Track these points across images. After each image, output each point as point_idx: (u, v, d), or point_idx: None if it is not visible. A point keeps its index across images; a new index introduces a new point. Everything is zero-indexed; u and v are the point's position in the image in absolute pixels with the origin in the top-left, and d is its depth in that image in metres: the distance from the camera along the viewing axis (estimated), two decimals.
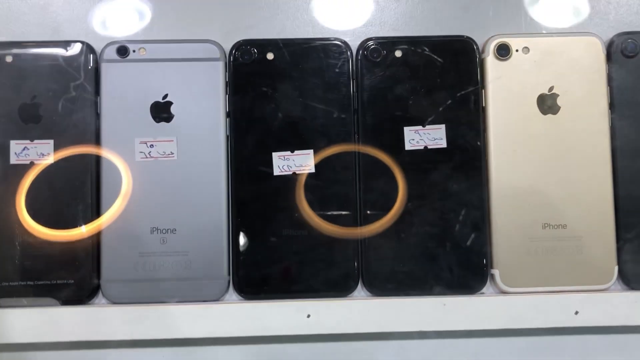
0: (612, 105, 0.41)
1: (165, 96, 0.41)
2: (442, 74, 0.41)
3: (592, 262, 0.41)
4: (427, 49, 0.41)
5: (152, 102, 0.40)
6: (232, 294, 0.41)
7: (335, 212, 0.40)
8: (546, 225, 0.41)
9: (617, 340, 0.42)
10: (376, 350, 0.42)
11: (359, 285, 0.41)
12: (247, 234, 0.40)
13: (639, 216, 0.41)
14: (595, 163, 0.41)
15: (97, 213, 0.40)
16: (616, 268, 0.41)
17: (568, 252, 0.41)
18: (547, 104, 0.41)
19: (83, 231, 0.40)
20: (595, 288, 0.40)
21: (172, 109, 0.41)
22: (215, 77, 0.41)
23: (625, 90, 0.41)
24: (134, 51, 0.41)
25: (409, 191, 0.41)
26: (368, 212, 0.41)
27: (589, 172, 0.41)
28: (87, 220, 0.40)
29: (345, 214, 0.40)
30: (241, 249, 0.40)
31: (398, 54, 0.41)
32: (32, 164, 0.40)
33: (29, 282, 0.40)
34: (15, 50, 0.40)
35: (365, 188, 0.41)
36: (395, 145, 0.41)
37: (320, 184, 0.41)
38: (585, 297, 0.40)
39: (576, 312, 0.40)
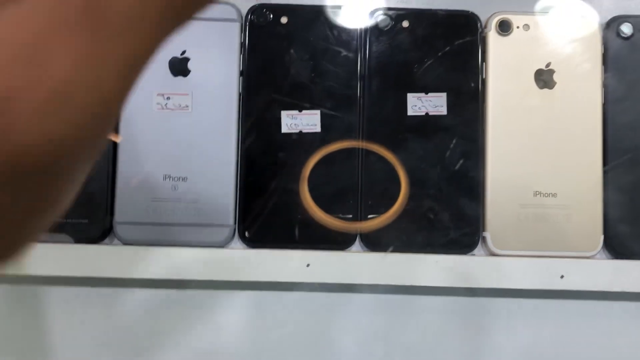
0: (605, 84, 0.43)
1: (184, 52, 0.43)
2: (446, 45, 0.43)
3: (579, 230, 0.43)
4: (433, 21, 0.44)
5: (171, 57, 0.43)
6: (237, 241, 0.43)
7: (337, 170, 0.43)
8: (537, 193, 0.43)
9: (599, 306, 0.44)
10: (369, 302, 0.44)
11: (357, 240, 0.43)
12: (253, 186, 0.43)
13: (626, 189, 0.43)
14: (586, 137, 0.43)
15: (114, 158, 0.42)
16: (602, 237, 0.43)
17: (557, 220, 0.43)
18: (544, 78, 0.43)
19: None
20: (581, 255, 0.43)
21: (189, 65, 0.43)
22: (231, 37, 0.43)
23: (619, 70, 0.43)
24: None
25: (409, 154, 0.43)
26: (368, 173, 0.43)
27: (581, 145, 0.43)
28: (104, 164, 0.42)
29: (346, 173, 0.43)
30: (247, 199, 0.42)
31: (405, 24, 0.44)
32: None
33: None
34: None
35: (367, 151, 0.43)
36: (398, 110, 0.43)
37: (325, 143, 0.43)
38: (570, 263, 0.42)
39: (561, 276, 0.42)
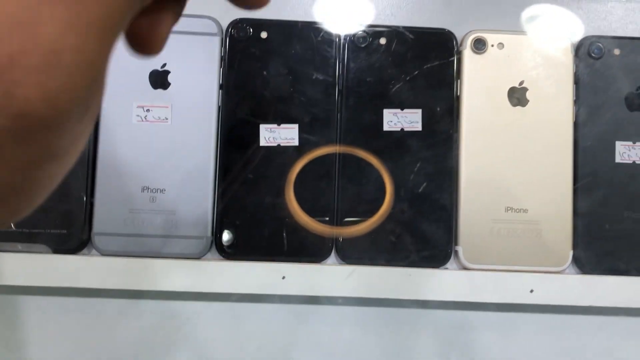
0: (576, 102, 0.44)
1: (164, 65, 0.43)
2: (422, 62, 0.44)
3: (549, 246, 0.44)
4: (409, 39, 0.44)
5: (151, 69, 0.43)
6: (214, 253, 0.43)
7: (314, 185, 0.43)
8: (509, 208, 0.44)
9: (568, 320, 0.45)
10: (343, 313, 0.44)
11: (332, 253, 0.44)
12: (231, 198, 0.43)
13: (595, 207, 0.44)
14: (558, 154, 0.44)
15: (93, 169, 0.43)
16: (571, 253, 0.44)
17: (527, 235, 0.44)
18: (517, 96, 0.44)
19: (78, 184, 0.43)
20: (551, 270, 0.44)
21: (170, 78, 0.44)
22: (211, 51, 0.44)
23: (590, 89, 0.45)
24: None
25: (384, 169, 0.44)
26: (345, 187, 0.44)
27: (552, 163, 0.44)
28: (82, 176, 0.43)
29: (323, 187, 0.43)
30: (224, 211, 0.43)
31: (382, 41, 0.44)
32: None
33: (24, 229, 0.42)
34: None
35: (344, 164, 0.44)
36: (374, 125, 0.44)
37: (303, 157, 0.44)
38: (540, 277, 0.43)
39: (531, 291, 0.43)
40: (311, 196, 0.43)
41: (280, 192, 0.43)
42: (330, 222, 0.43)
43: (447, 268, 0.44)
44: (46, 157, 0.15)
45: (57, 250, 0.42)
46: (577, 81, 0.45)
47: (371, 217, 0.43)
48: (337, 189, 0.43)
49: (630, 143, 0.44)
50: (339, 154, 0.44)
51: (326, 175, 0.43)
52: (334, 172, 0.44)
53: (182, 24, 0.44)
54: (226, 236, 0.43)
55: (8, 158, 0.14)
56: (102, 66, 0.15)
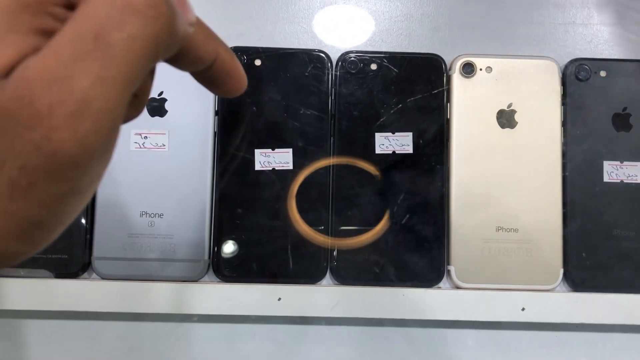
0: (564, 124, 0.45)
1: (161, 93, 0.45)
2: (412, 86, 0.45)
3: (539, 265, 0.45)
4: (400, 64, 0.46)
5: (149, 97, 0.44)
6: (211, 275, 0.44)
7: (309, 207, 0.45)
8: (500, 228, 0.45)
9: (559, 337, 0.46)
10: (338, 333, 0.45)
11: (327, 274, 0.45)
12: (227, 222, 0.44)
13: (585, 226, 0.45)
14: (546, 175, 0.45)
15: (93, 196, 0.44)
16: (561, 271, 0.45)
17: (518, 254, 0.45)
18: (506, 118, 0.45)
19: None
20: (542, 288, 0.44)
21: (166, 105, 0.45)
22: None
23: (577, 110, 0.46)
24: None
25: (377, 192, 0.45)
26: (338, 210, 0.45)
27: (541, 183, 0.45)
28: None
29: (318, 210, 0.45)
30: (221, 234, 0.44)
31: (373, 67, 0.46)
32: None
33: None
34: None
35: (337, 189, 0.45)
36: (366, 149, 0.45)
37: (297, 181, 0.45)
38: (531, 295, 0.44)
39: (522, 309, 0.44)
40: (310, 211, 0.44)
41: (275, 216, 0.44)
42: (330, 228, 0.44)
43: (440, 287, 0.45)
44: (71, 193, 0.17)
45: (58, 275, 0.43)
46: (564, 103, 0.46)
47: (366, 233, 0.44)
48: (332, 206, 0.44)
49: (617, 163, 0.45)
50: (334, 171, 0.45)
51: (320, 197, 0.45)
52: (327, 194, 0.45)
53: None
54: (230, 247, 0.44)
55: (38, 194, 0.16)
56: (121, 114, 0.17)
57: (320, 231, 0.44)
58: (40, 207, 0.17)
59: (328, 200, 0.45)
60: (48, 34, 0.17)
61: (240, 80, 0.23)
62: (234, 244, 0.44)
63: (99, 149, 0.17)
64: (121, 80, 0.17)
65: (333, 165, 0.45)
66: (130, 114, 0.21)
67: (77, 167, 0.16)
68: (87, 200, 0.19)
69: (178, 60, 0.21)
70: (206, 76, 0.22)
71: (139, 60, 0.17)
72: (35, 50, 0.16)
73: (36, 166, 0.16)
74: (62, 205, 0.17)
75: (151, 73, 0.21)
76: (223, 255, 0.44)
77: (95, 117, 0.16)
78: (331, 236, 0.44)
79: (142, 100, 0.22)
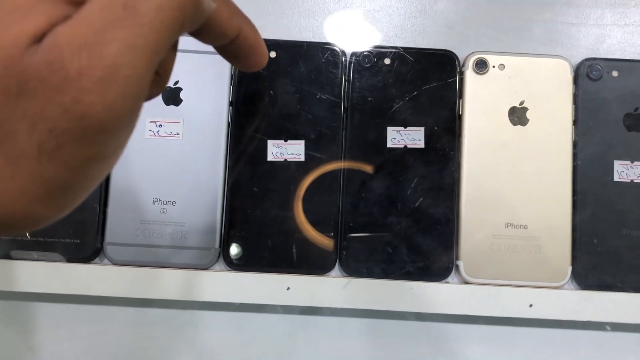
0: (575, 122, 0.46)
1: (176, 82, 0.45)
2: (425, 82, 0.46)
3: (548, 262, 0.45)
4: (413, 59, 0.46)
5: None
6: (221, 264, 0.45)
7: (319, 199, 0.45)
8: (509, 224, 0.45)
9: (566, 334, 0.46)
10: (346, 325, 0.46)
11: (336, 266, 0.45)
12: (238, 211, 0.45)
13: (593, 224, 0.45)
14: (557, 172, 0.45)
15: (107, 181, 0.45)
16: (570, 269, 0.45)
17: (527, 251, 0.45)
18: (517, 116, 0.46)
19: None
20: (550, 285, 0.45)
21: (182, 95, 0.45)
22: (222, 69, 0.46)
23: (589, 110, 0.46)
24: None
25: (388, 185, 0.45)
26: (349, 202, 0.45)
27: (551, 180, 0.45)
28: (96, 188, 0.44)
29: (328, 202, 0.45)
30: (232, 223, 0.45)
31: (387, 61, 0.46)
32: None
33: (39, 238, 0.44)
34: None
35: (348, 181, 0.45)
36: (378, 142, 0.45)
37: (309, 172, 0.45)
38: (539, 292, 0.44)
39: (530, 305, 0.44)
40: (318, 211, 0.45)
41: (286, 206, 0.45)
42: (335, 236, 0.45)
43: (448, 282, 0.45)
44: (96, 158, 0.18)
45: (70, 259, 0.44)
46: (576, 102, 0.46)
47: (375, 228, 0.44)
48: (341, 201, 0.45)
49: (628, 162, 0.45)
50: (344, 170, 0.45)
51: (330, 189, 0.45)
52: (337, 187, 0.45)
53: (194, 43, 0.46)
54: (234, 250, 0.44)
55: (65, 157, 0.17)
56: (148, 82, 0.18)
57: (328, 235, 0.45)
58: (67, 170, 0.17)
59: (340, 182, 0.45)
60: (77, 3, 0.17)
61: (262, 56, 0.23)
62: (238, 247, 0.44)
63: (125, 115, 0.17)
64: (148, 48, 0.17)
65: (344, 157, 0.45)
66: (153, 91, 0.22)
67: (104, 131, 0.17)
68: (110, 167, 0.19)
69: (202, 33, 0.21)
70: (229, 50, 0.23)
71: (165, 29, 0.18)
72: (66, 18, 0.17)
73: (65, 129, 0.16)
74: (88, 170, 0.18)
75: (174, 49, 0.22)
76: (231, 257, 0.44)
77: (123, 83, 0.16)
78: (340, 237, 0.45)
79: (164, 78, 0.22)
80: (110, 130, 0.17)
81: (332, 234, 0.45)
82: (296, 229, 0.44)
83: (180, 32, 0.19)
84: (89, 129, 0.16)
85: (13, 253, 0.44)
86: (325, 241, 0.44)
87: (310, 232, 0.45)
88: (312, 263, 0.44)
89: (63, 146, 0.17)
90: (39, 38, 0.17)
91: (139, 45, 0.17)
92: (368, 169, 0.45)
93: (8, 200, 0.17)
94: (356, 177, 0.45)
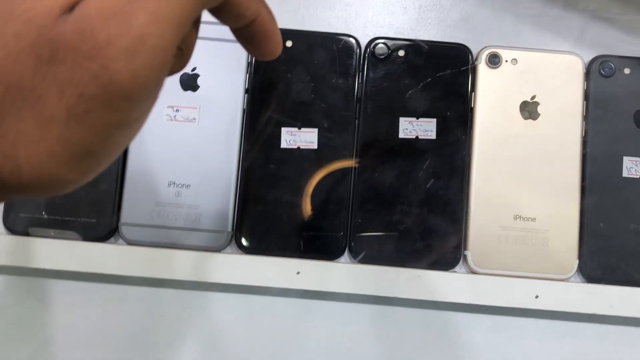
0: (586, 118, 0.46)
1: (194, 69, 0.46)
2: (438, 74, 0.47)
3: (555, 254, 0.45)
4: (427, 52, 0.47)
5: (182, 72, 0.46)
6: (233, 247, 0.46)
7: (330, 186, 0.46)
8: (517, 216, 0.46)
9: (571, 327, 0.46)
10: (354, 311, 0.46)
11: (346, 252, 0.46)
12: (251, 196, 0.46)
13: (601, 219, 0.46)
14: (566, 167, 0.46)
15: (124, 163, 0.46)
16: (576, 262, 0.45)
17: (534, 243, 0.45)
18: (529, 110, 0.46)
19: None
20: (556, 277, 0.45)
21: (199, 81, 0.46)
22: (239, 57, 0.47)
23: (599, 106, 0.46)
24: None
25: (398, 175, 0.46)
26: (359, 190, 0.46)
27: (560, 175, 0.46)
28: (113, 170, 0.45)
29: (339, 190, 0.46)
30: (245, 208, 0.45)
31: (401, 53, 0.47)
32: None
33: (57, 217, 0.45)
34: None
35: (360, 170, 0.46)
36: (390, 132, 0.46)
37: (321, 159, 0.46)
38: (545, 284, 0.44)
39: (536, 296, 0.44)
40: (328, 198, 0.46)
41: (298, 192, 0.45)
42: (345, 223, 0.45)
43: (455, 271, 0.45)
44: (122, 124, 0.18)
45: (86, 238, 0.45)
46: (587, 98, 0.46)
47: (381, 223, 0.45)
48: (352, 192, 0.46)
49: (637, 159, 0.46)
50: (356, 158, 0.46)
51: (341, 177, 0.46)
52: (349, 175, 0.46)
53: (212, 31, 0.47)
54: (245, 242, 0.45)
55: (93, 122, 0.18)
56: (171, 54, 0.18)
57: (338, 222, 0.45)
58: (93, 134, 0.18)
59: (351, 170, 0.46)
60: None
61: (276, 44, 0.24)
62: (247, 240, 0.45)
63: (148, 84, 0.18)
64: (174, 20, 0.18)
65: (356, 146, 0.46)
66: (175, 66, 0.23)
67: (130, 99, 0.18)
68: (133, 135, 0.20)
69: (222, 12, 0.22)
70: (245, 34, 0.23)
71: (191, 3, 0.18)
72: None
73: (93, 94, 0.17)
74: (113, 135, 0.18)
75: (195, 26, 0.23)
76: (243, 243, 0.45)
77: (149, 53, 0.17)
78: (349, 230, 0.45)
79: (186, 54, 0.23)
80: (134, 97, 0.18)
81: (342, 220, 0.45)
82: (307, 215, 0.45)
83: (203, 7, 0.20)
84: (115, 96, 0.17)
85: (31, 230, 0.45)
86: (335, 228, 0.45)
87: (321, 218, 0.45)
88: (322, 249, 0.45)
89: (91, 111, 0.17)
90: (70, 8, 0.18)
91: (166, 17, 0.18)
92: (379, 158, 0.46)
93: (36, 162, 0.18)
94: (367, 166, 0.46)
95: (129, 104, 0.18)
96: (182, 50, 0.22)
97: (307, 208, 0.45)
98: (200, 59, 0.46)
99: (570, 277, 0.45)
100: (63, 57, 0.17)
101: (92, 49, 0.17)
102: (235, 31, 0.24)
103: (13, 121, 0.17)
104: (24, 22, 0.17)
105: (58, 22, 0.17)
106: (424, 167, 0.46)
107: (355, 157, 0.46)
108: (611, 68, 0.47)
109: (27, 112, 0.17)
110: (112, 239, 0.46)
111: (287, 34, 0.47)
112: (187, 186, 0.46)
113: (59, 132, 0.18)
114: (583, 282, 0.45)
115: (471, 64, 0.47)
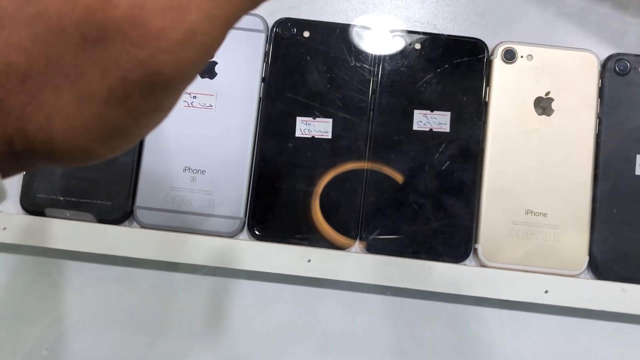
0: (600, 115, 0.46)
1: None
2: (454, 68, 0.47)
3: (565, 250, 0.46)
4: (443, 45, 0.47)
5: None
6: (245, 233, 0.46)
7: (343, 176, 0.46)
8: (529, 211, 0.46)
9: (580, 323, 0.46)
10: (364, 301, 0.47)
11: (356, 242, 0.46)
12: (265, 184, 0.46)
13: (613, 216, 0.46)
14: (578, 163, 0.46)
15: (140, 148, 0.46)
16: (587, 258, 0.46)
17: (545, 238, 0.46)
18: (543, 106, 0.46)
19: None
20: (566, 273, 0.45)
21: (216, 68, 0.47)
22: (257, 46, 0.47)
23: (613, 103, 0.47)
24: None
25: (411, 167, 0.46)
26: (372, 182, 0.46)
27: (573, 171, 0.46)
28: (130, 153, 0.46)
29: (352, 180, 0.46)
30: (258, 195, 0.46)
31: (417, 46, 0.47)
32: None
33: (73, 199, 0.46)
34: None
35: (372, 160, 0.46)
36: (404, 124, 0.46)
37: (335, 149, 0.46)
38: (555, 279, 0.45)
39: (546, 291, 0.44)
40: (341, 187, 0.46)
41: (311, 181, 0.46)
42: (357, 229, 0.46)
43: (465, 264, 0.46)
44: (156, 109, 0.19)
45: (101, 220, 0.46)
46: (601, 95, 0.47)
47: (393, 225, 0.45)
48: (364, 182, 0.46)
49: None
50: (369, 149, 0.46)
51: (355, 165, 0.46)
52: (363, 165, 0.46)
53: None
54: (258, 232, 0.45)
55: (130, 105, 0.18)
56: (215, 51, 0.20)
57: (350, 211, 0.46)
58: (128, 116, 0.19)
59: (361, 177, 0.46)
60: None
61: None
62: (260, 227, 0.46)
63: (190, 76, 0.19)
64: (224, 20, 0.19)
65: (370, 136, 0.46)
66: None
67: (169, 88, 0.19)
68: (163, 119, 0.21)
69: None
70: None
71: (240, 7, 0.19)
72: None
73: (135, 80, 0.18)
74: (146, 118, 0.19)
75: None
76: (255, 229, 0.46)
77: (197, 49, 0.18)
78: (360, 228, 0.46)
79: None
80: (174, 87, 0.19)
81: (354, 211, 0.46)
82: (319, 203, 0.46)
83: (249, 10, 0.21)
84: (157, 84, 0.18)
85: (47, 211, 0.45)
86: (347, 217, 0.46)
87: (333, 208, 0.46)
88: (332, 239, 0.46)
89: (131, 95, 0.18)
90: None
91: (217, 17, 0.18)
92: (392, 150, 0.46)
93: (69, 135, 0.18)
94: (381, 156, 0.46)
95: (168, 92, 0.19)
96: None
97: (319, 196, 0.46)
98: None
99: (581, 273, 0.46)
100: (111, 40, 0.18)
101: (142, 37, 0.17)
102: None
103: (51, 94, 0.18)
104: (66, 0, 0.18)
105: (108, 4, 0.18)
106: (437, 159, 0.46)
107: (369, 147, 0.46)
108: (626, 66, 0.47)
109: (66, 87, 0.18)
110: (126, 222, 0.46)
111: (304, 24, 0.47)
112: (202, 172, 0.46)
113: (97, 110, 0.18)
114: (593, 279, 0.46)
115: (486, 59, 0.47)
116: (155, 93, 0.18)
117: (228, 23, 0.19)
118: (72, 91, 0.18)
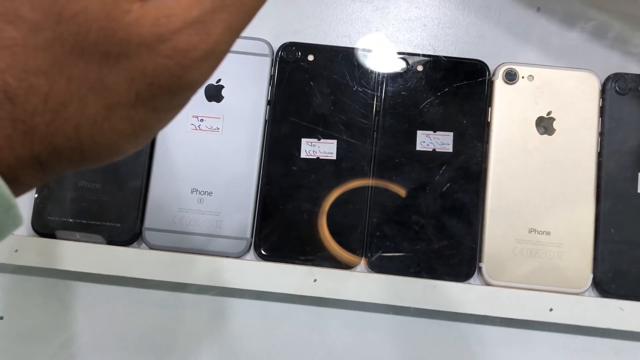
0: (601, 134, 0.47)
1: (219, 80, 0.48)
2: (456, 90, 0.48)
3: (569, 268, 0.46)
4: (445, 67, 0.48)
5: (207, 83, 0.48)
6: (252, 253, 0.47)
7: (348, 196, 0.47)
8: (532, 230, 0.46)
9: (584, 341, 0.46)
10: (369, 321, 0.47)
11: (362, 262, 0.47)
12: (271, 204, 0.47)
13: (616, 234, 0.46)
14: (581, 182, 0.47)
15: (148, 170, 0.47)
16: (591, 276, 0.46)
17: (549, 256, 0.46)
18: (544, 125, 0.47)
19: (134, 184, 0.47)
20: (570, 291, 0.46)
21: (223, 92, 0.48)
22: (262, 70, 0.48)
23: (614, 122, 0.47)
24: None
25: (415, 186, 0.47)
26: (377, 202, 0.47)
27: (575, 189, 0.47)
28: (138, 176, 0.47)
29: (357, 199, 0.47)
30: (264, 216, 0.47)
31: (420, 68, 0.48)
32: None
33: (83, 221, 0.47)
34: None
35: (377, 180, 0.47)
36: (407, 145, 0.47)
37: (340, 170, 0.47)
38: (560, 297, 0.45)
39: (550, 309, 0.45)
40: (346, 208, 0.47)
41: (317, 201, 0.47)
42: (363, 247, 0.46)
43: (470, 283, 0.46)
44: (176, 106, 0.21)
45: (110, 242, 0.46)
46: (602, 114, 0.47)
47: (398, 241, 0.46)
48: (369, 202, 0.47)
49: None
50: (373, 169, 0.47)
51: (359, 186, 0.47)
52: (367, 185, 0.47)
53: (237, 44, 0.48)
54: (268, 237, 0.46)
55: (155, 104, 0.20)
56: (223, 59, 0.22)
57: (355, 232, 0.46)
58: (153, 113, 0.20)
59: (366, 197, 0.47)
60: None
61: None
62: (266, 247, 0.46)
63: (208, 78, 0.21)
64: (240, 30, 0.21)
65: (374, 157, 0.47)
66: None
67: (191, 89, 0.20)
68: (177, 114, 0.22)
69: None
70: None
71: (253, 15, 0.21)
72: None
73: (162, 84, 0.19)
74: (168, 115, 0.21)
75: None
76: (262, 248, 0.46)
77: (218, 57, 0.20)
78: (365, 242, 0.46)
79: None
80: (195, 88, 0.21)
81: (359, 230, 0.46)
82: (325, 224, 0.46)
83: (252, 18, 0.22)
84: (182, 87, 0.20)
85: (58, 233, 0.46)
86: (352, 238, 0.46)
87: (338, 227, 0.46)
88: (338, 258, 0.46)
89: (157, 96, 0.20)
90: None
91: (236, 28, 0.20)
92: (396, 170, 0.47)
93: (99, 139, 0.20)
94: (385, 177, 0.47)
95: (189, 92, 0.21)
96: None
97: (325, 217, 0.46)
98: (225, 72, 0.48)
99: (585, 291, 0.46)
100: (136, 53, 0.19)
101: (171, 50, 0.19)
102: None
103: (76, 108, 0.19)
104: (79, 23, 0.18)
105: (127, 23, 0.19)
106: (441, 179, 0.47)
107: (373, 168, 0.47)
108: (626, 85, 0.47)
109: (91, 99, 0.19)
110: (135, 244, 0.47)
111: (309, 48, 0.48)
112: (210, 193, 0.47)
113: (124, 113, 0.20)
114: (597, 297, 0.46)
115: (488, 80, 0.48)
116: (178, 94, 0.20)
117: (241, 31, 0.21)
118: (98, 102, 0.19)
